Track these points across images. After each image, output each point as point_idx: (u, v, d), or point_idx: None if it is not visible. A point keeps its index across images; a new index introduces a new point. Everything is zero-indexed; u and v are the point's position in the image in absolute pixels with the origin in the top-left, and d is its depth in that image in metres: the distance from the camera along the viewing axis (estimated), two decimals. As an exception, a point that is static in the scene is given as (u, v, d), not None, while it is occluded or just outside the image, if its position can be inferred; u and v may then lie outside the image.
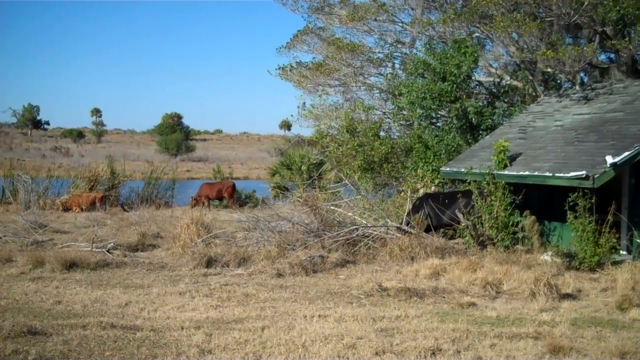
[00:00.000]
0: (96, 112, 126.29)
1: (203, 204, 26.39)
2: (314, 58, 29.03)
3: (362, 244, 14.64)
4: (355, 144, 22.90)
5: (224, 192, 27.09)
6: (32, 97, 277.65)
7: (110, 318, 8.92)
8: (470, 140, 20.83)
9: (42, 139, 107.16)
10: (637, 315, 9.62)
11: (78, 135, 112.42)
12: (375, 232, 15.03)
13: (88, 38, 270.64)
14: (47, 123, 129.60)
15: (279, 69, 29.30)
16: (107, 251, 14.23)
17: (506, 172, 15.26)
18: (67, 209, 24.25)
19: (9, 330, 7.91)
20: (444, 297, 10.83)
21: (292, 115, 30.71)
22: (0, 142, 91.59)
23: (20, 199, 24.55)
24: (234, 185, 27.77)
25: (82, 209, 23.84)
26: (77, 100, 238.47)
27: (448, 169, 17.77)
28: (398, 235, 14.74)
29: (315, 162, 32.36)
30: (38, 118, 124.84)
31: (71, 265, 12.63)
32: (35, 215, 19.78)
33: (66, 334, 8.04)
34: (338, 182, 22.98)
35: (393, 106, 25.10)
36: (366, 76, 27.93)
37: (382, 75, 27.56)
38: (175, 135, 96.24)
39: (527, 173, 14.76)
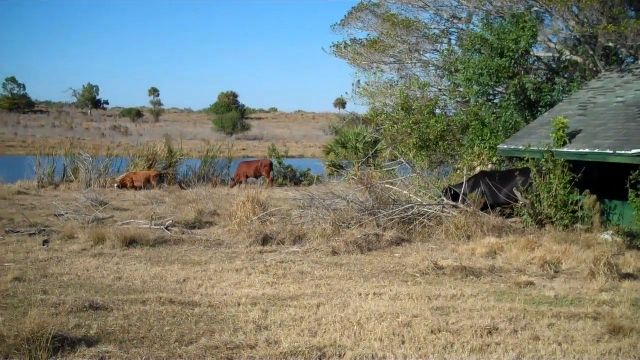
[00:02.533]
0: (154, 91, 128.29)
1: (241, 182, 26.56)
2: (368, 35, 28.91)
3: (418, 222, 14.57)
4: (410, 122, 22.71)
5: (261, 171, 27.18)
6: (92, 78, 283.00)
7: (169, 294, 9.10)
8: (528, 118, 20.45)
9: (101, 118, 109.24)
10: (702, 296, 9.36)
11: (136, 114, 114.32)
12: (431, 211, 14.93)
13: (145, 18, 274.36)
14: (107, 103, 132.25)
15: (334, 46, 29.22)
16: (166, 228, 14.47)
17: (565, 150, 14.96)
18: (122, 186, 24.72)
19: (72, 305, 8.14)
20: (501, 276, 10.72)
21: (346, 93, 31.03)
22: (61, 122, 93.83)
23: (81, 178, 25.16)
24: (271, 164, 27.76)
25: (136, 187, 24.27)
26: (136, 80, 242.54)
27: (505, 146, 17.51)
28: (454, 213, 14.61)
29: (370, 140, 32.28)
30: (98, 98, 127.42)
31: (131, 242, 12.87)
32: (95, 193, 20.25)
33: (126, 309, 8.23)
34: (393, 160, 22.90)
35: (449, 83, 24.80)
36: (422, 53, 27.66)
37: (438, 51, 27.26)
38: (231, 114, 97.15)
39: (587, 150, 14.44)
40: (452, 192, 15.75)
